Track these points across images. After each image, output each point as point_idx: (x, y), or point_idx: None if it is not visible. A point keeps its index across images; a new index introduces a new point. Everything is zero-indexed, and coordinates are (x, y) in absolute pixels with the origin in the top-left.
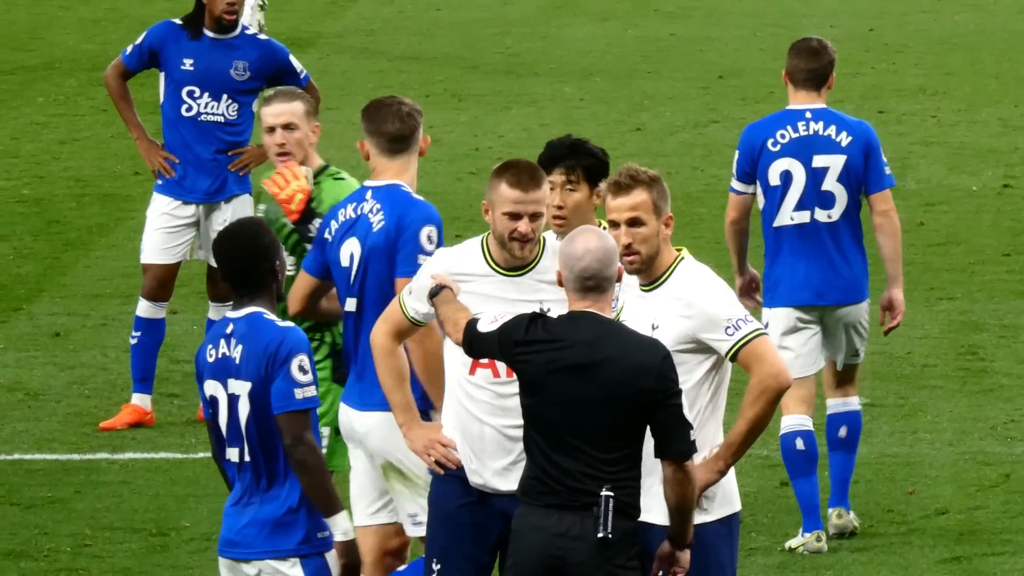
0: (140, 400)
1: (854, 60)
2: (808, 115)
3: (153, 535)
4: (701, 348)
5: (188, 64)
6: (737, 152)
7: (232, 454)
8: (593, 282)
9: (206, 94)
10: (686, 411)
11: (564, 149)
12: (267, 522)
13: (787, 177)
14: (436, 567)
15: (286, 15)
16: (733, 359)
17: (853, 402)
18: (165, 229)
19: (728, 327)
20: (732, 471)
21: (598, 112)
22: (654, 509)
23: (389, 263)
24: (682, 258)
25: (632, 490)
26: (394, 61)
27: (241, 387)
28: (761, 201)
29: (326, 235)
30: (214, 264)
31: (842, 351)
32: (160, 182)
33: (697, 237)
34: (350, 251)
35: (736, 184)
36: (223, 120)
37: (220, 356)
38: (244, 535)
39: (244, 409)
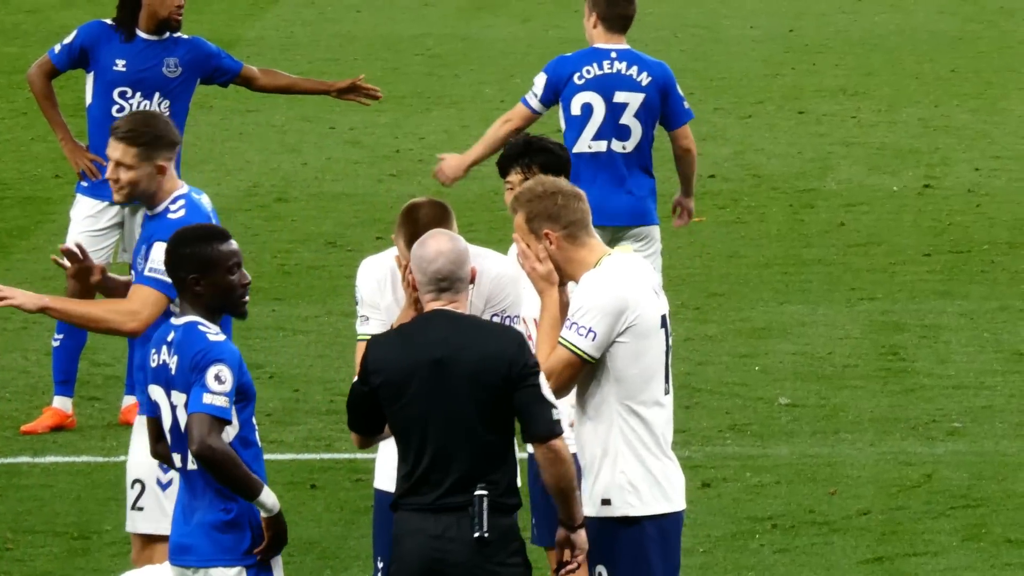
0: (61, 403)
1: (774, 61)
2: (613, 55)
3: (75, 538)
4: None
5: (121, 65)
6: (544, 76)
7: (176, 460)
8: (447, 283)
9: (138, 94)
10: (547, 391)
11: (519, 147)
12: (213, 529)
13: (588, 109)
14: (380, 564)
15: (206, 17)
16: None
17: None
18: (89, 232)
19: (569, 320)
20: (676, 471)
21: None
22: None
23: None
24: (608, 255)
25: (508, 486)
26: (314, 63)
27: (178, 398)
28: (562, 127)
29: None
30: None
31: None
32: (84, 184)
33: None
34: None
35: (533, 102)
36: None
37: (161, 363)
38: (192, 542)
39: (183, 419)
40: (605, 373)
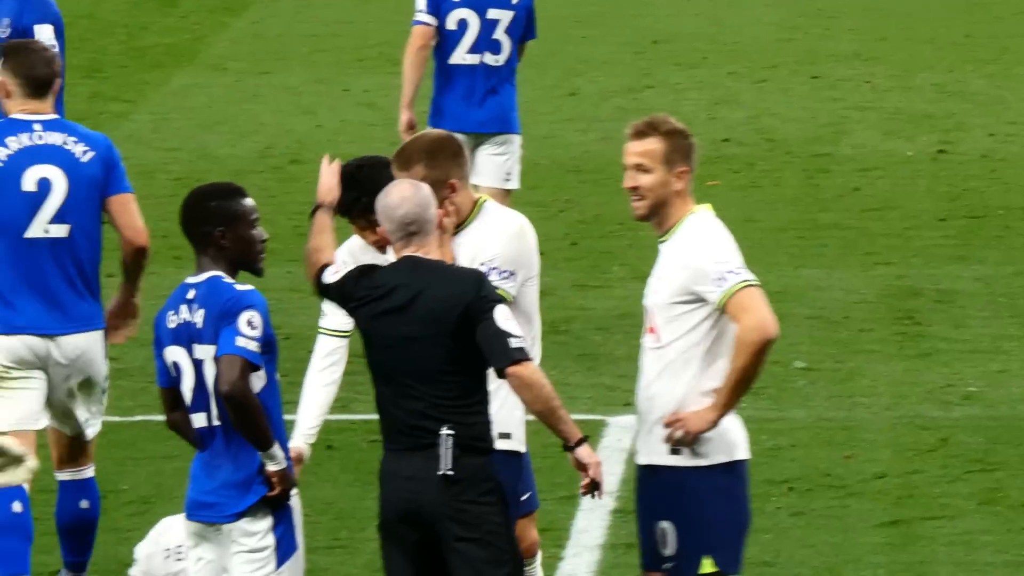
0: None
1: (788, 25)
2: None
3: None
4: (696, 300)
5: None
6: None
7: (198, 419)
8: (415, 226)
9: None
10: (505, 323)
11: (345, 203)
12: (239, 484)
13: (464, 24)
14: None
15: None
16: (723, 311)
17: None
18: None
19: (717, 278)
20: (737, 420)
21: (532, 76)
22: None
23: None
24: (694, 212)
25: (478, 425)
26: (328, 25)
27: (205, 351)
28: (435, 41)
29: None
30: None
31: (495, 175)
32: None
33: None
34: None
35: (423, 17)
36: None
37: (182, 322)
38: (216, 498)
39: (210, 373)
40: (709, 325)
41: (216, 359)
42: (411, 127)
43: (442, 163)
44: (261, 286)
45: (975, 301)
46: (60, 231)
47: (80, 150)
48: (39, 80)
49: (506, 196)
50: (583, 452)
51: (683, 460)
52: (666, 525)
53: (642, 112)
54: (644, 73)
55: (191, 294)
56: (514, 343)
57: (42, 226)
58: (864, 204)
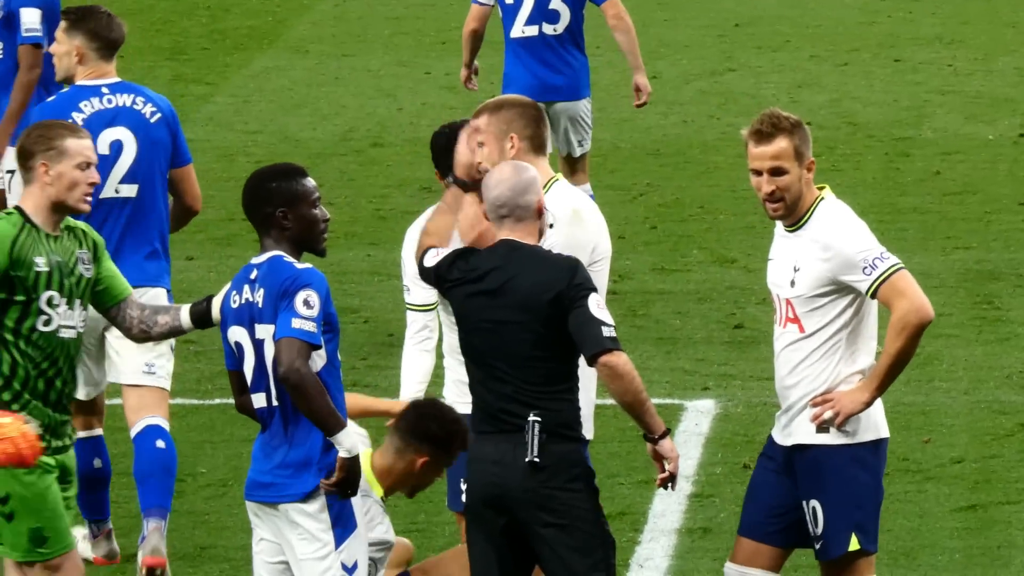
0: None
1: (870, 8)
2: None
3: None
4: (840, 289)
5: None
6: None
7: (258, 400)
8: (506, 210)
9: None
10: (598, 311)
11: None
12: (294, 465)
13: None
14: (463, 486)
15: None
16: (874, 296)
17: (586, 186)
18: None
19: (865, 267)
20: (879, 400)
21: (614, 60)
22: (800, 432)
23: None
24: (821, 199)
25: (565, 412)
26: (410, 8)
27: (266, 331)
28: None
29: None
30: None
31: (566, 142)
32: None
33: (713, 185)
34: None
35: None
36: None
37: (244, 302)
38: (272, 478)
39: (270, 353)
40: (853, 312)
41: (275, 341)
42: (471, 74)
43: (505, 116)
44: (341, 269)
45: None
46: (130, 191)
47: (149, 111)
48: (116, 43)
49: (582, 161)
50: (666, 445)
51: (832, 438)
52: (815, 503)
53: (725, 95)
54: (726, 56)
55: (254, 274)
56: (607, 332)
57: (113, 186)
58: (944, 188)
